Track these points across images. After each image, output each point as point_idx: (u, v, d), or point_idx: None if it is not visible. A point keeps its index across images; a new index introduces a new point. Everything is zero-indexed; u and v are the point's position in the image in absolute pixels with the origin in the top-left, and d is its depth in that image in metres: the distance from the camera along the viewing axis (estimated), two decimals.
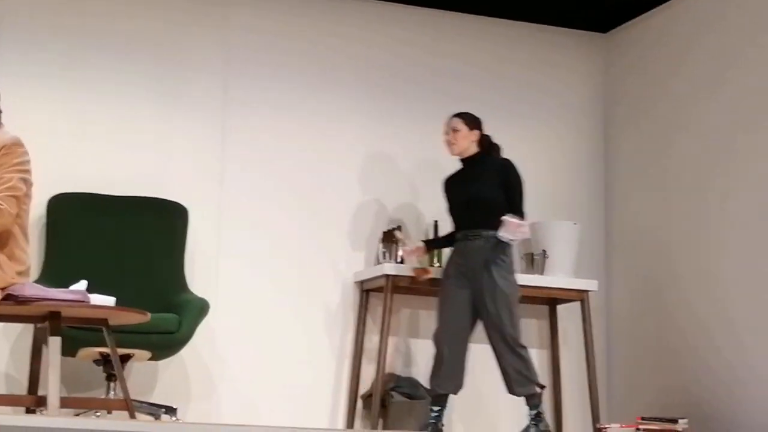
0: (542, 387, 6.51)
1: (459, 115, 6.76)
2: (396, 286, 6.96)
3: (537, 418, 6.48)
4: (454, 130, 6.72)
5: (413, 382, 7.07)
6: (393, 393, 7.05)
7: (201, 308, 6.46)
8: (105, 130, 7.07)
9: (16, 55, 6.94)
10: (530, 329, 7.65)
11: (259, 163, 7.35)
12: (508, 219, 6.33)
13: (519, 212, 6.52)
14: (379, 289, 7.15)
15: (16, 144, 5.17)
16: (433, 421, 6.56)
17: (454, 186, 6.81)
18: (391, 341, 7.13)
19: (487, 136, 6.78)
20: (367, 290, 7.34)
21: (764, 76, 6.84)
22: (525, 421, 6.53)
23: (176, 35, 7.30)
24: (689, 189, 7.31)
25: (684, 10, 7.52)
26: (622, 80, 8.04)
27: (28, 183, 5.22)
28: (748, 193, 6.86)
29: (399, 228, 7.18)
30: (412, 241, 7.08)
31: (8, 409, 5.83)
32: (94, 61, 7.11)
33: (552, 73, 8.07)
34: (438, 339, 6.56)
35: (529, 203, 7.44)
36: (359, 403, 7.24)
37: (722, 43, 7.18)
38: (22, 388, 6.35)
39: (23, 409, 5.69)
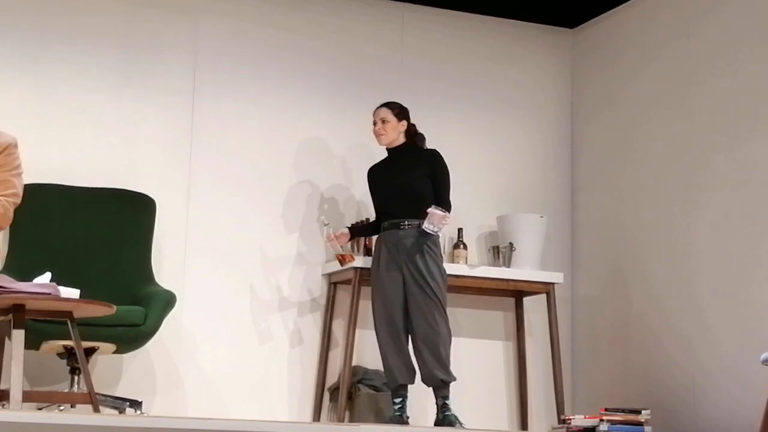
0: (453, 379, 6.44)
1: (387, 105, 6.70)
2: (364, 278, 6.85)
3: (444, 407, 6.42)
4: (383, 121, 6.67)
5: (380, 375, 6.91)
6: (360, 386, 6.97)
7: (167, 301, 6.33)
8: (70, 121, 6.92)
9: None
10: (496, 321, 7.61)
11: (227, 154, 7.22)
12: (433, 210, 6.31)
13: (445, 203, 6.50)
14: (347, 282, 7.04)
15: (16, 145, 5.18)
16: (398, 413, 6.46)
17: (381, 175, 6.74)
18: (359, 334, 7.01)
19: (413, 125, 6.71)
20: (335, 283, 7.23)
21: (730, 73, 6.83)
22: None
23: (144, 23, 7.15)
24: (654, 182, 7.28)
25: (651, 8, 7.50)
26: (588, 75, 8.00)
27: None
28: (712, 184, 6.86)
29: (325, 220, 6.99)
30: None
31: None
32: (59, 49, 6.96)
33: (519, 67, 7.99)
34: (378, 330, 6.51)
35: (496, 196, 7.63)
36: (326, 396, 7.15)
37: (688, 41, 7.14)
38: None
39: None
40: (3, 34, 6.84)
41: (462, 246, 7.31)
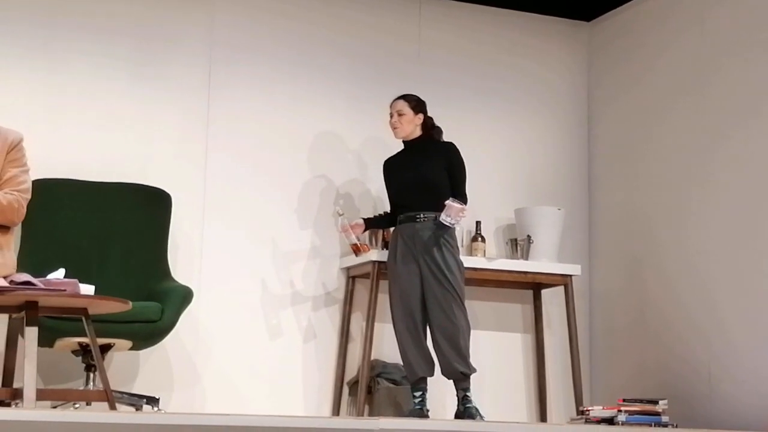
0: (473, 371, 6.31)
1: (404, 98, 6.57)
2: (382, 272, 6.69)
3: (465, 399, 6.29)
4: (399, 114, 6.53)
5: (400, 368, 6.76)
6: (379, 379, 6.84)
7: (184, 296, 6.14)
8: (84, 115, 6.73)
9: None
10: (515, 314, 7.51)
11: (243, 148, 7.05)
12: (450, 203, 6.21)
13: (462, 196, 6.40)
14: (365, 276, 6.89)
15: (22, 140, 5.08)
16: (418, 406, 6.32)
17: (396, 168, 6.60)
18: (377, 327, 6.86)
19: (430, 118, 6.57)
20: (353, 276, 7.08)
21: (745, 61, 6.74)
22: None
23: (159, 17, 6.97)
24: (671, 173, 7.18)
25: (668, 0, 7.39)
26: (605, 67, 7.89)
27: None
28: (730, 176, 6.77)
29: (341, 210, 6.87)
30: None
31: None
32: (74, 43, 6.77)
33: (536, 59, 7.84)
34: (396, 323, 6.38)
35: (514, 189, 7.53)
36: (345, 390, 7.00)
37: (706, 32, 7.03)
38: None
39: None
40: (16, 26, 6.66)
41: (480, 239, 7.18)
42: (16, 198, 4.97)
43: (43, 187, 6.33)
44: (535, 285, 7.36)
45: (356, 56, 7.36)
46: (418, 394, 6.32)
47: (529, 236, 7.17)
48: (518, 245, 7.20)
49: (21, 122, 6.16)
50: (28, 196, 5.09)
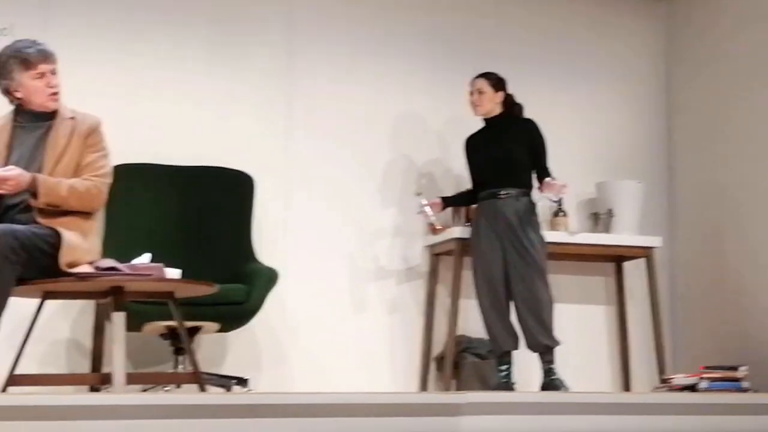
0: (557, 344, 6.25)
1: (484, 76, 6.47)
2: (465, 249, 6.61)
3: (550, 372, 6.23)
4: (479, 92, 6.45)
5: (485, 343, 6.67)
6: (465, 354, 6.79)
7: (270, 278, 6.10)
8: (165, 99, 6.70)
9: (68, 23, 6.57)
10: (597, 286, 7.46)
11: (324, 129, 7.00)
12: (551, 181, 6.15)
13: (546, 172, 6.32)
14: (449, 253, 6.83)
15: (101, 124, 5.00)
16: (504, 380, 6.29)
17: (478, 145, 6.52)
18: (462, 303, 6.77)
19: (510, 95, 6.48)
20: (437, 254, 7.02)
21: None
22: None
23: (238, 1, 6.92)
24: (753, 145, 7.05)
25: None
26: (684, 39, 7.73)
27: None
28: None
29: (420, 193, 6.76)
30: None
31: (71, 388, 5.47)
32: (152, 27, 6.74)
33: (614, 33, 7.73)
34: (481, 299, 6.32)
35: (594, 163, 7.47)
36: (432, 366, 6.97)
37: None
38: (84, 367, 6.01)
39: (86, 388, 5.36)
40: (95, 12, 6.63)
41: (562, 213, 7.06)
42: (94, 184, 4.87)
43: (126, 173, 6.28)
44: (617, 258, 7.29)
45: (434, 34, 7.27)
46: (503, 367, 6.28)
47: (610, 210, 7.10)
48: (600, 219, 7.15)
49: (102, 108, 6.11)
50: (109, 180, 4.97)
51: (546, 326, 6.17)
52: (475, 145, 6.51)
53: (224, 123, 6.78)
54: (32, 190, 4.67)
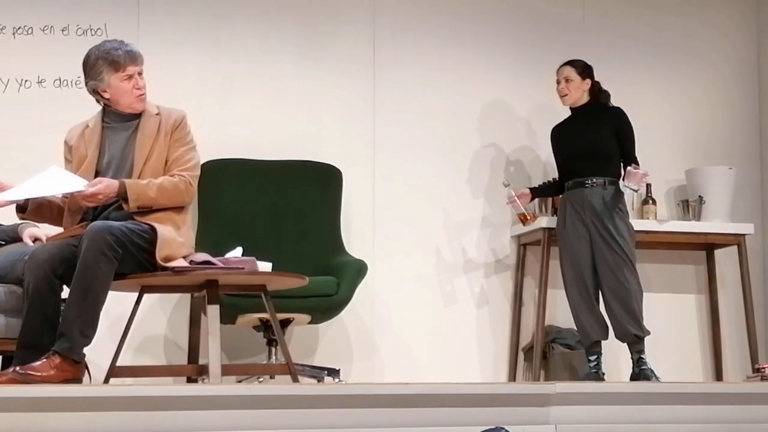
0: (647, 333, 6.17)
1: (571, 64, 6.41)
2: (553, 238, 6.60)
3: (640, 362, 6.15)
4: (567, 80, 6.38)
5: (574, 333, 6.66)
6: (554, 344, 6.77)
7: (359, 269, 6.17)
8: (252, 95, 6.78)
9: (159, 22, 6.66)
10: (688, 275, 7.36)
11: (410, 121, 6.99)
12: (633, 170, 6.07)
13: (634, 161, 6.22)
14: (536, 243, 6.82)
15: (186, 117, 5.01)
16: (594, 370, 6.24)
17: (565, 135, 6.46)
18: (550, 293, 6.77)
19: (597, 83, 6.41)
20: (524, 244, 7.02)
21: None
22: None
23: None
24: None
25: None
26: None
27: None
28: None
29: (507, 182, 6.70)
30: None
31: (169, 379, 5.58)
32: (239, 24, 6.81)
33: (702, 18, 7.58)
34: (568, 289, 6.29)
35: (684, 150, 7.35)
36: (521, 356, 6.96)
37: None
38: (181, 359, 6.12)
39: (184, 379, 5.43)
40: (182, 10, 6.71)
41: (651, 201, 7.01)
42: (182, 179, 4.89)
43: (216, 168, 6.42)
44: (708, 245, 7.19)
45: (520, 23, 7.22)
46: (593, 357, 6.24)
47: (700, 197, 7.01)
48: (690, 206, 7.05)
49: (193, 105, 6.21)
50: (196, 173, 4.99)
51: (634, 316, 6.11)
52: (561, 135, 6.47)
53: (312, 116, 6.82)
54: (123, 197, 4.73)
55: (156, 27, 6.61)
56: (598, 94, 6.41)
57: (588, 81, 6.36)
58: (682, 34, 7.52)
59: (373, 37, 6.97)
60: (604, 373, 6.28)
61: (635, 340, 6.14)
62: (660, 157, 7.23)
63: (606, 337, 6.26)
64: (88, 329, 4.53)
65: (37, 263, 4.57)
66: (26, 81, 6.42)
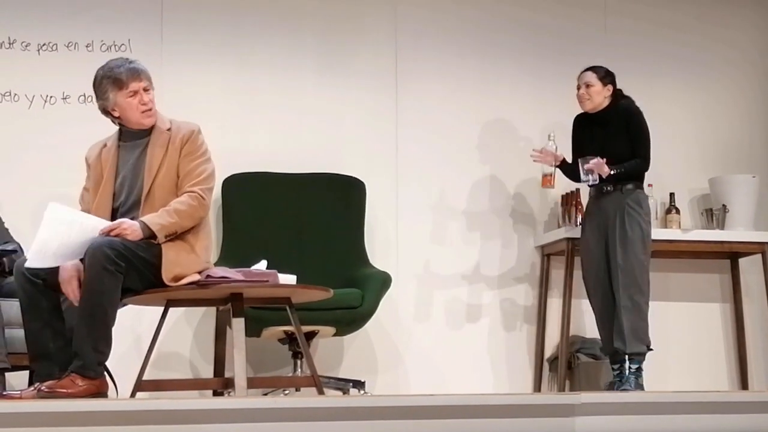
0: (649, 349, 6.08)
1: (592, 69, 6.29)
2: (576, 248, 6.56)
3: (637, 372, 6.05)
4: (587, 85, 6.26)
5: (598, 343, 6.61)
6: (579, 355, 6.75)
7: (383, 282, 6.17)
8: (275, 108, 6.80)
9: (182, 37, 6.70)
10: (712, 284, 7.32)
11: (433, 132, 7.00)
12: (584, 165, 6.02)
13: (642, 158, 6.12)
14: (560, 253, 6.81)
15: (199, 131, 4.93)
16: (618, 378, 6.13)
17: (585, 138, 6.33)
18: (574, 304, 6.77)
19: (619, 90, 6.30)
20: (548, 254, 7.00)
21: None
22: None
23: (344, 8, 6.97)
24: None
25: None
26: None
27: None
28: None
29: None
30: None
31: (195, 393, 5.57)
32: (262, 38, 6.84)
33: (724, 23, 7.56)
34: (590, 298, 6.24)
35: (707, 159, 7.31)
36: (545, 367, 6.95)
37: None
38: (207, 372, 6.13)
39: (210, 392, 5.45)
40: (204, 24, 6.75)
41: (674, 210, 7.00)
42: (194, 195, 4.80)
43: (239, 182, 6.45)
44: (732, 254, 7.16)
45: (542, 35, 7.20)
46: (616, 366, 6.15)
47: (724, 205, 6.97)
48: (714, 215, 7.02)
49: (215, 118, 6.38)
50: (209, 185, 4.90)
51: (620, 329, 5.99)
52: (582, 134, 6.35)
53: (335, 129, 6.83)
54: (148, 235, 4.67)
55: (179, 42, 6.65)
56: (619, 100, 6.29)
57: (609, 87, 6.26)
58: (704, 41, 7.49)
59: (395, 50, 6.98)
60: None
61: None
62: (683, 167, 7.23)
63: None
64: (101, 345, 4.53)
65: (19, 271, 4.60)
66: (51, 97, 6.47)
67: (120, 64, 4.85)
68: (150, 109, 4.87)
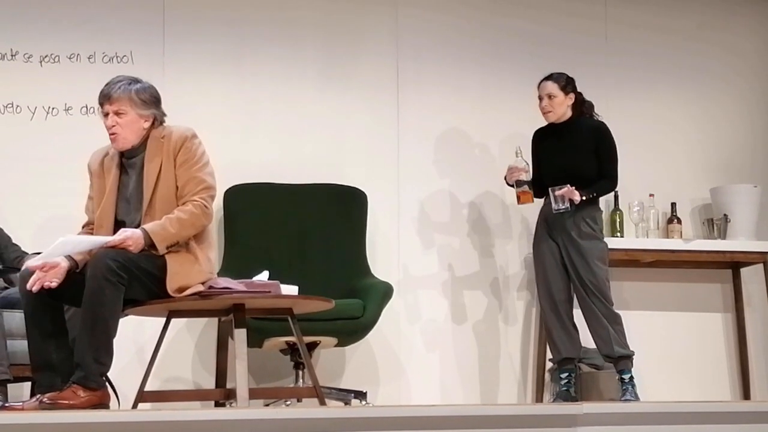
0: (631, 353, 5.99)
1: (551, 79, 6.11)
2: None
3: (630, 381, 5.93)
4: (550, 97, 6.07)
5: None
6: (580, 365, 6.66)
7: (385, 292, 6.15)
8: (276, 119, 6.80)
9: (184, 48, 6.69)
10: (714, 293, 7.33)
11: (434, 143, 7.00)
12: (555, 192, 5.85)
13: (609, 177, 5.98)
14: None
15: (194, 136, 4.87)
16: (564, 388, 6.05)
17: (546, 150, 6.15)
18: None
19: (580, 94, 6.13)
20: None
21: None
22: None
23: (345, 19, 6.97)
24: None
25: None
26: None
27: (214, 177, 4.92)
28: None
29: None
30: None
31: (197, 404, 5.58)
32: (263, 49, 6.84)
33: (725, 33, 7.57)
34: (542, 305, 6.12)
35: (708, 169, 7.30)
36: (547, 377, 6.92)
37: None
38: (209, 383, 6.15)
39: (212, 403, 5.43)
40: (205, 36, 6.74)
41: (676, 220, 7.02)
42: (196, 204, 4.77)
43: (241, 192, 6.45)
44: (733, 264, 7.17)
45: (543, 45, 7.19)
46: (564, 375, 6.05)
47: (725, 215, 6.98)
48: (715, 225, 7.02)
49: (217, 129, 6.35)
50: (212, 192, 4.86)
51: (614, 335, 5.91)
52: (542, 147, 6.18)
53: (336, 140, 6.83)
54: (149, 244, 4.66)
55: (181, 53, 6.64)
56: (581, 106, 6.13)
57: (571, 95, 6.08)
58: (705, 52, 7.50)
59: (397, 60, 6.98)
60: (576, 391, 6.15)
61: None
62: (684, 176, 7.24)
63: (578, 355, 6.13)
64: (102, 356, 4.52)
65: (24, 281, 4.59)
66: (53, 109, 6.47)
67: (104, 86, 4.85)
68: (113, 134, 4.81)
